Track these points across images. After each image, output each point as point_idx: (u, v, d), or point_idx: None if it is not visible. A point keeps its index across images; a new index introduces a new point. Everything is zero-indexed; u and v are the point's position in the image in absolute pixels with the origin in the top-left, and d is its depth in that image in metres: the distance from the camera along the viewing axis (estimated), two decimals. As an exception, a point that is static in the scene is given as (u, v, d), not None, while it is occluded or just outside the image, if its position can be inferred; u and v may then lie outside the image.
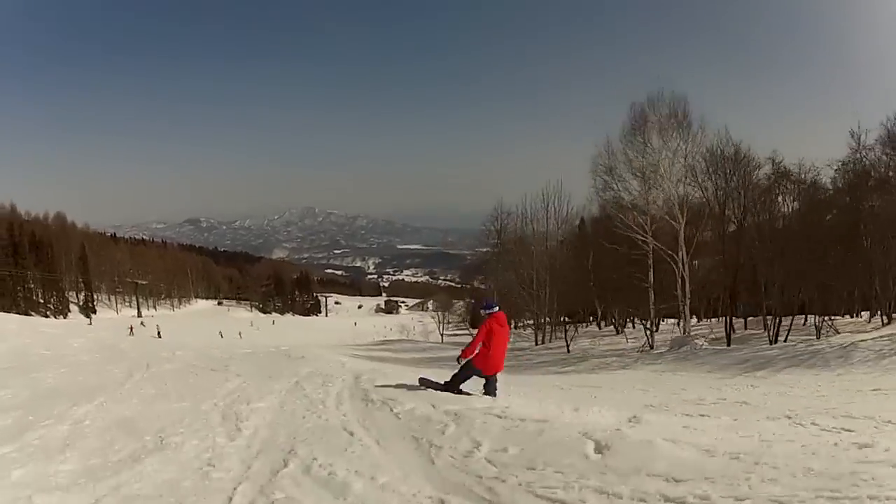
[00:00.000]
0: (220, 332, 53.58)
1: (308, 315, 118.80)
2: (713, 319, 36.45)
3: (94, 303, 72.93)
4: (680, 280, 28.10)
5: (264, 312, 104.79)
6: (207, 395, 8.37)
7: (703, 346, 24.62)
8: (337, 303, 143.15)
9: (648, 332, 29.01)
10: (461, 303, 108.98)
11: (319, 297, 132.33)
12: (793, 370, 16.81)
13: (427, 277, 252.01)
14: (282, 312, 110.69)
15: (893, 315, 27.11)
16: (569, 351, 30.29)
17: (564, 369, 22.30)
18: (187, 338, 40.22)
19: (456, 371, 8.14)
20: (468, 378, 8.02)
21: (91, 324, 51.85)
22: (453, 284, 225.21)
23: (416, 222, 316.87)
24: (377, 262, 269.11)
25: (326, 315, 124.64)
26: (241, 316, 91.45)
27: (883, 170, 28.34)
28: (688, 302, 28.46)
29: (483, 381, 8.05)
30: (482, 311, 8.09)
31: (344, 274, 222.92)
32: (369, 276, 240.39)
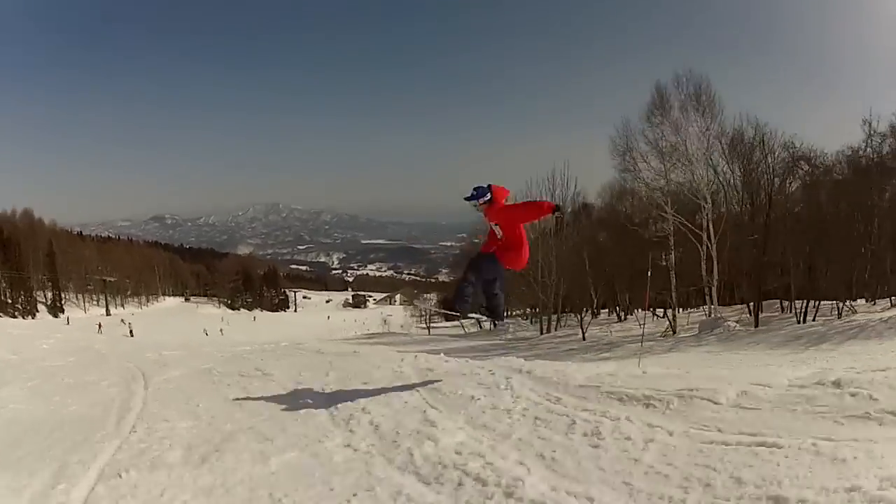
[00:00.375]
0: (205, 330, 52.77)
1: (276, 311, 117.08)
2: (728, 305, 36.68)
3: (63, 302, 70.31)
4: (705, 262, 28.23)
5: (233, 309, 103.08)
6: (318, 435, 4.56)
7: (737, 328, 24.36)
8: (306, 297, 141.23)
9: (670, 317, 28.74)
10: (432, 295, 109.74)
11: (287, 293, 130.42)
12: (853, 342, 16.91)
13: (392, 272, 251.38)
14: (250, 308, 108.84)
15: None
16: (584, 338, 29.68)
17: (602, 355, 21.64)
18: (161, 336, 38.67)
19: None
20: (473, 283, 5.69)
21: (69, 323, 49.88)
22: (418, 279, 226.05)
23: (380, 217, 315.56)
24: (341, 257, 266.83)
25: (296, 310, 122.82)
26: (211, 312, 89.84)
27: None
28: (715, 284, 28.37)
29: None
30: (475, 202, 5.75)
31: (308, 269, 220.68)
32: (334, 271, 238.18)
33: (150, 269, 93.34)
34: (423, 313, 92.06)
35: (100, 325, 44.93)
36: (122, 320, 49.57)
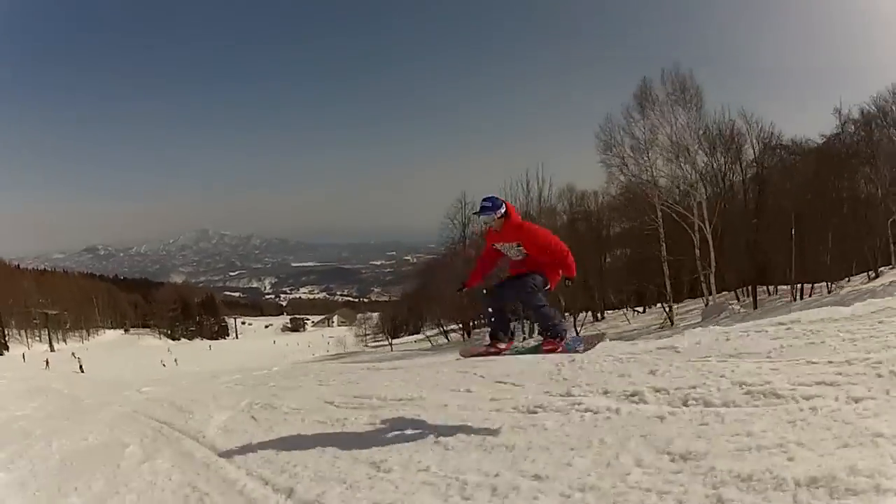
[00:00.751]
0: (163, 362, 52.67)
1: (216, 339, 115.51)
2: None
3: (6, 338, 67.90)
4: (699, 249, 29.72)
5: (173, 339, 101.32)
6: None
7: (741, 311, 26.35)
8: (246, 323, 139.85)
9: (667, 308, 30.86)
10: (374, 315, 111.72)
11: (227, 320, 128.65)
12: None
13: (325, 294, 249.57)
14: (191, 338, 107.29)
15: (881, 269, 30.56)
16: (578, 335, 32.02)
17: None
18: (115, 370, 37.54)
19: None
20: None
21: (25, 360, 48.62)
22: (351, 299, 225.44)
23: (310, 239, 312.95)
24: (273, 281, 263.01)
25: (237, 337, 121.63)
26: (153, 344, 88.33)
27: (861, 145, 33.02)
28: (713, 270, 29.88)
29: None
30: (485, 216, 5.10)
31: (242, 295, 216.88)
32: (266, 296, 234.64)
33: (88, 300, 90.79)
34: (371, 332, 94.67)
35: (47, 362, 44.42)
36: (73, 354, 48.38)
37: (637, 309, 38.40)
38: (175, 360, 54.96)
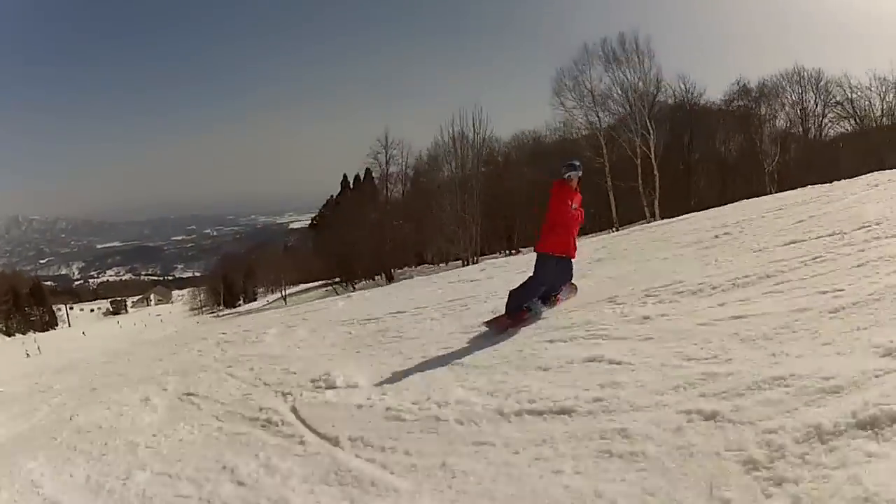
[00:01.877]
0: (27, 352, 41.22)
1: (46, 329, 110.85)
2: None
3: None
4: (642, 180, 35.66)
5: (9, 335, 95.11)
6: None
7: None
8: (78, 309, 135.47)
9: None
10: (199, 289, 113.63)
11: (54, 309, 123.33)
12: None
13: (130, 275, 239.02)
14: (24, 332, 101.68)
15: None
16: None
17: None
18: None
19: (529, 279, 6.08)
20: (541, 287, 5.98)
21: None
22: (156, 278, 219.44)
23: (112, 217, 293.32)
24: (81, 266, 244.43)
25: (70, 325, 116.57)
26: None
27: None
28: (657, 197, 35.80)
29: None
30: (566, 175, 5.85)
31: (53, 283, 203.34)
32: (76, 282, 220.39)
33: None
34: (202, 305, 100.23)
35: None
36: None
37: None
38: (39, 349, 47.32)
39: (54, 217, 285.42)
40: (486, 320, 6.25)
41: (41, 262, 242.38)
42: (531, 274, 6.11)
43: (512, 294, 6.03)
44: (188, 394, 6.80)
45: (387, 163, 47.61)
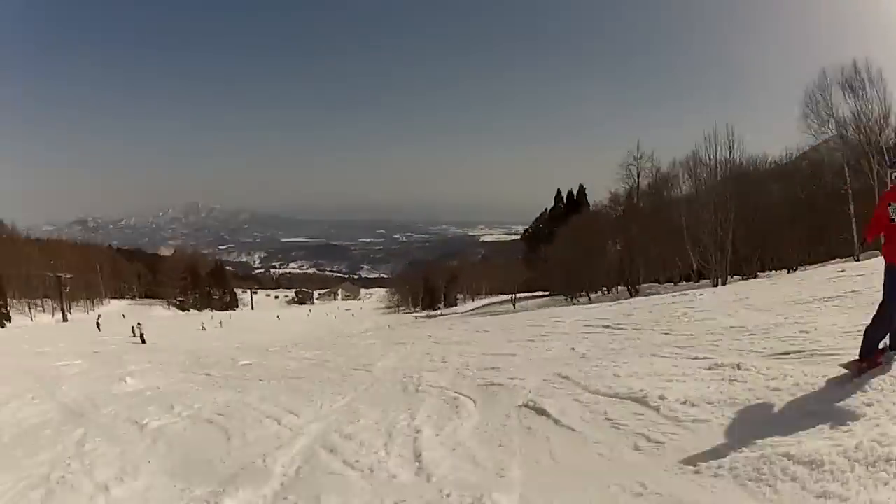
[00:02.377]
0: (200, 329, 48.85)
1: (225, 310, 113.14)
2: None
3: (8, 308, 59.95)
4: None
5: (183, 310, 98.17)
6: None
7: None
8: (264, 294, 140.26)
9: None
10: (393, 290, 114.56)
11: (235, 291, 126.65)
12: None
13: (314, 269, 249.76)
14: (200, 309, 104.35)
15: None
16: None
17: None
18: (182, 342, 31.02)
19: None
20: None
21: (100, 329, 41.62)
22: (341, 275, 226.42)
23: (299, 215, 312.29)
24: (263, 256, 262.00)
25: (252, 308, 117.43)
26: (163, 314, 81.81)
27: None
28: None
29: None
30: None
31: (232, 269, 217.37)
32: (256, 271, 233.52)
33: (92, 269, 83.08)
34: (398, 304, 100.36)
35: (98, 324, 43.28)
36: (139, 324, 37.62)
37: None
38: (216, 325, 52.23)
39: (237, 208, 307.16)
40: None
41: (220, 247, 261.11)
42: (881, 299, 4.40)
43: (867, 331, 4.48)
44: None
45: (638, 175, 49.12)
